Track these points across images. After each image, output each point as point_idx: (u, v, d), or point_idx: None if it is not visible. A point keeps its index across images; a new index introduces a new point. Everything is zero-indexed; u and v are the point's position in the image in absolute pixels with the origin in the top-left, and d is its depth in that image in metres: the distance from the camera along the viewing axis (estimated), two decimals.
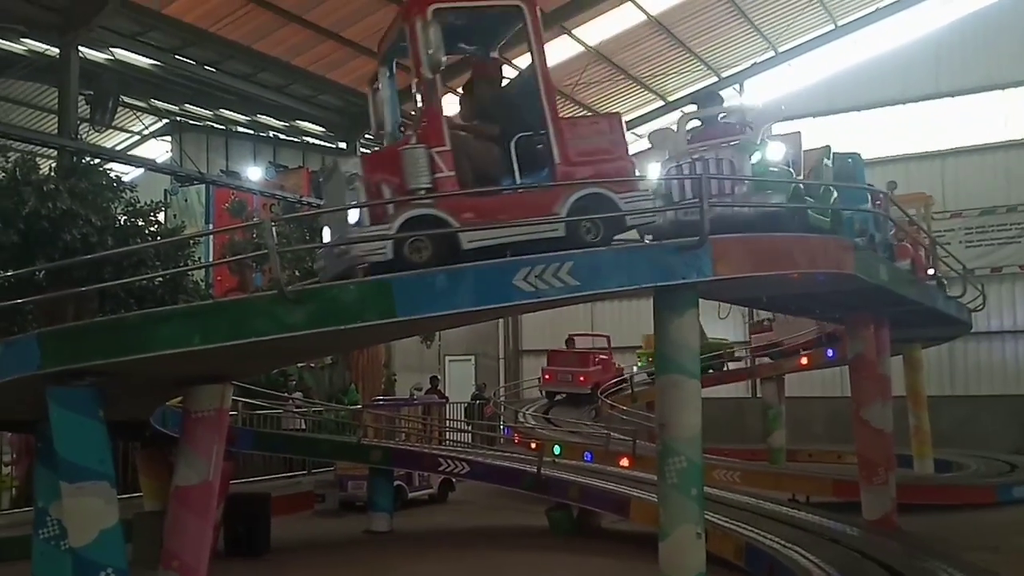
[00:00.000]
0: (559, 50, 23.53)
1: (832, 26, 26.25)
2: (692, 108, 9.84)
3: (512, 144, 6.97)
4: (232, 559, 11.69)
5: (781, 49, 26.76)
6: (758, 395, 23.79)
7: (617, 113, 8.22)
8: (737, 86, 27.65)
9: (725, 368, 22.36)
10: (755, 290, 10.53)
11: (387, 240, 6.41)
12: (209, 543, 7.66)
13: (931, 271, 13.99)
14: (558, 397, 21.52)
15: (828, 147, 10.23)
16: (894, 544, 10.03)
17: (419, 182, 6.59)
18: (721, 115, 9.50)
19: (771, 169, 8.44)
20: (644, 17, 23.28)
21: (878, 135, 24.51)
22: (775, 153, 8.57)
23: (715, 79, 27.38)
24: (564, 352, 22.36)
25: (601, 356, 22.11)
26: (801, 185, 8.84)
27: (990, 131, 24.27)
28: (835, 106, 25.46)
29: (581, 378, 20.93)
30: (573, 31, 22.80)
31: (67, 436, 6.62)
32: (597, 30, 23.22)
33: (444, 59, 6.66)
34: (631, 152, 7.52)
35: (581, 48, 23.67)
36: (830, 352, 18.97)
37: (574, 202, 6.78)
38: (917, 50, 25.21)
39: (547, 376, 21.88)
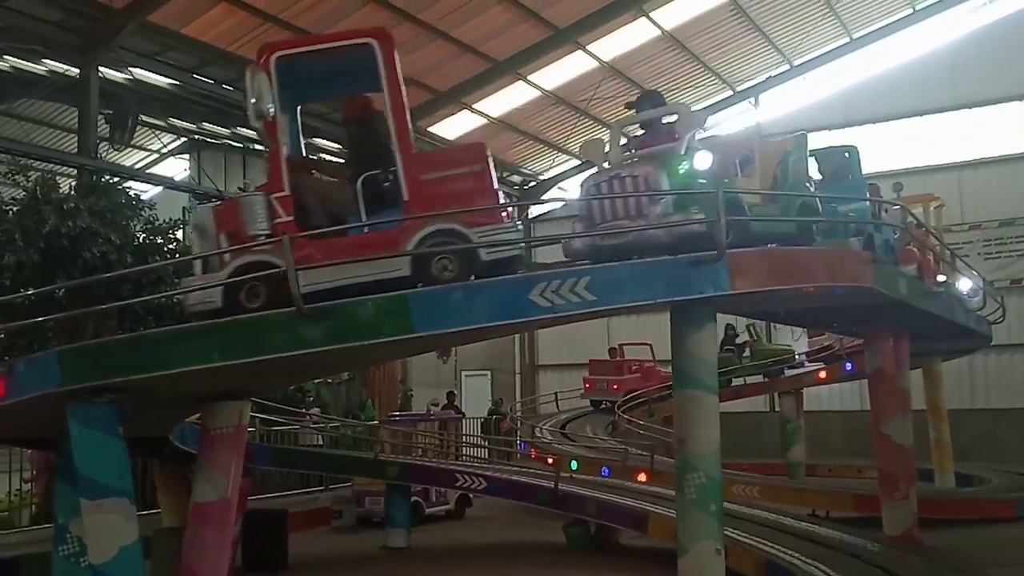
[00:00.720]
0: (573, 65, 23.63)
1: (847, 39, 26.22)
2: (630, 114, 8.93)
3: (359, 183, 6.98)
4: (250, 575, 11.69)
5: (796, 62, 26.74)
6: (776, 409, 23.64)
7: (479, 143, 7.55)
8: (752, 100, 27.64)
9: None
10: (773, 304, 10.47)
11: (219, 287, 6.59)
12: (227, 559, 7.69)
13: (941, 278, 13.31)
14: (603, 405, 21.53)
15: (801, 137, 9.34)
16: (916, 559, 9.93)
17: (257, 228, 6.72)
18: (665, 118, 8.55)
19: (699, 181, 7.55)
20: (658, 32, 23.33)
21: (896, 147, 24.41)
22: (702, 163, 7.68)
23: (730, 93, 27.39)
24: (602, 361, 22.44)
25: (642, 364, 21.99)
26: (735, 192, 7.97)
27: (1008, 142, 24.14)
28: (852, 118, 25.39)
29: (615, 386, 21.13)
30: (587, 46, 22.87)
31: (87, 453, 6.67)
32: (611, 45, 23.28)
33: (270, 108, 6.71)
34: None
35: (595, 63, 23.73)
36: (849, 366, 18.84)
37: (421, 240, 6.66)
38: (934, 61, 25.14)
39: (587, 385, 22.05)
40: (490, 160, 7.06)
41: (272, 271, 6.50)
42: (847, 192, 10.55)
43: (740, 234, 7.25)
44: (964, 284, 14.05)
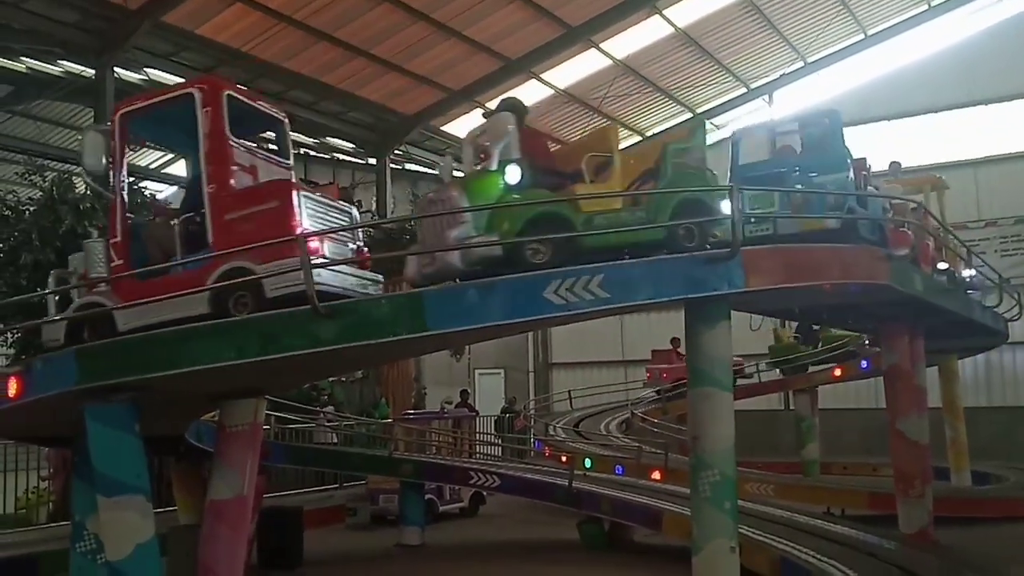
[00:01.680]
0: (586, 63, 23.59)
1: (862, 35, 26.09)
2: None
3: (177, 225, 7.34)
4: (266, 572, 11.75)
5: (810, 59, 26.62)
6: (791, 407, 23.56)
7: (283, 180, 7.48)
8: (766, 97, 27.55)
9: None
10: (787, 301, 10.44)
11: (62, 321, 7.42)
12: (243, 556, 7.73)
13: (943, 265, 12.30)
14: (667, 394, 21.66)
15: (695, 123, 9.12)
16: (932, 558, 9.88)
17: (97, 271, 7.36)
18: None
19: (513, 197, 7.06)
20: (672, 30, 23.28)
21: (911, 144, 24.27)
22: (512, 177, 7.15)
23: (744, 90, 27.30)
24: (660, 351, 22.47)
25: None
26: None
27: None
28: (867, 115, 25.22)
29: (664, 374, 21.36)
30: (601, 44, 22.83)
31: (104, 451, 6.73)
32: (625, 43, 23.24)
33: (102, 164, 7.34)
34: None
35: (608, 61, 23.70)
36: (864, 363, 18.75)
37: (218, 277, 6.78)
38: (949, 58, 24.99)
39: (648, 374, 22.22)
40: (295, 195, 6.98)
41: (102, 309, 7.09)
42: (826, 165, 9.44)
43: (563, 248, 6.82)
44: (966, 273, 13.34)
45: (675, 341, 21.21)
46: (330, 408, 18.69)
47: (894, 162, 13.23)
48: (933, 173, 13.94)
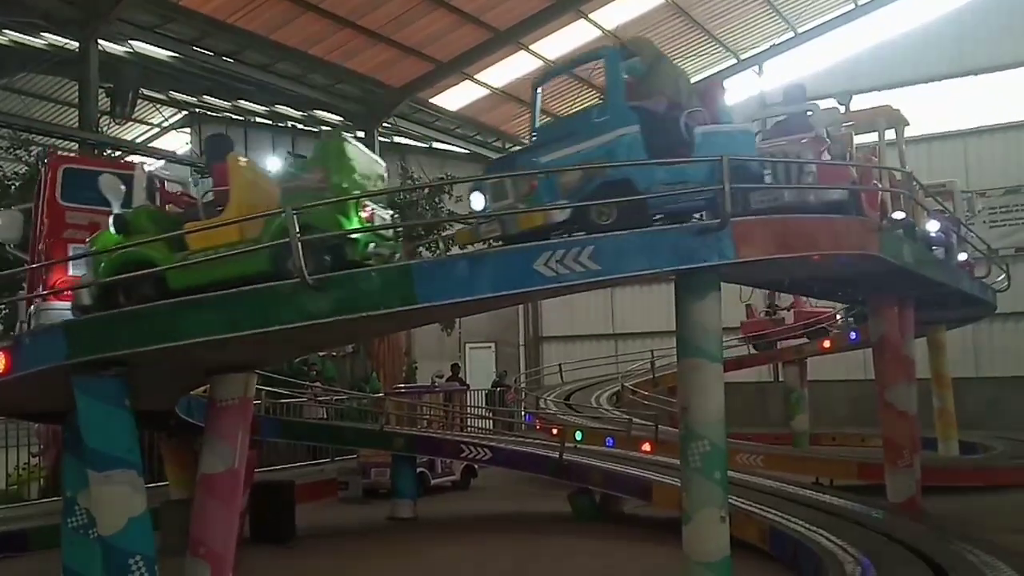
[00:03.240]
0: (576, 34, 23.42)
1: (852, 5, 25.98)
2: None
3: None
4: (258, 546, 11.79)
5: (801, 30, 26.50)
6: (780, 379, 23.69)
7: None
8: (756, 68, 27.43)
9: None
10: (777, 272, 10.45)
11: None
12: (235, 530, 7.75)
13: (898, 214, 10.26)
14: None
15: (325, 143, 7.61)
16: (919, 527, 9.98)
17: None
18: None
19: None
20: (662, 0, 23.11)
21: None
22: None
23: (734, 61, 27.17)
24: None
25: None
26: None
27: (1014, 109, 23.94)
28: (857, 86, 24.91)
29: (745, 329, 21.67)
30: (590, 15, 22.66)
31: (94, 425, 6.71)
32: (614, 13, 23.08)
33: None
34: None
35: (598, 32, 23.53)
36: (853, 335, 18.85)
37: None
38: (940, 28, 24.90)
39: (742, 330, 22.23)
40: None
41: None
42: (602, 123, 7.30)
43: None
44: (931, 225, 11.95)
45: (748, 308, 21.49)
46: (317, 384, 18.68)
47: (845, 93, 11.29)
48: (889, 105, 11.54)
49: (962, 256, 13.83)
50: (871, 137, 11.49)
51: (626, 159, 7.07)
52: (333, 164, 7.08)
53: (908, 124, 11.78)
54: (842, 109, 10.40)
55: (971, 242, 14.52)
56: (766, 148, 8.79)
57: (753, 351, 21.78)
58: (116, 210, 7.39)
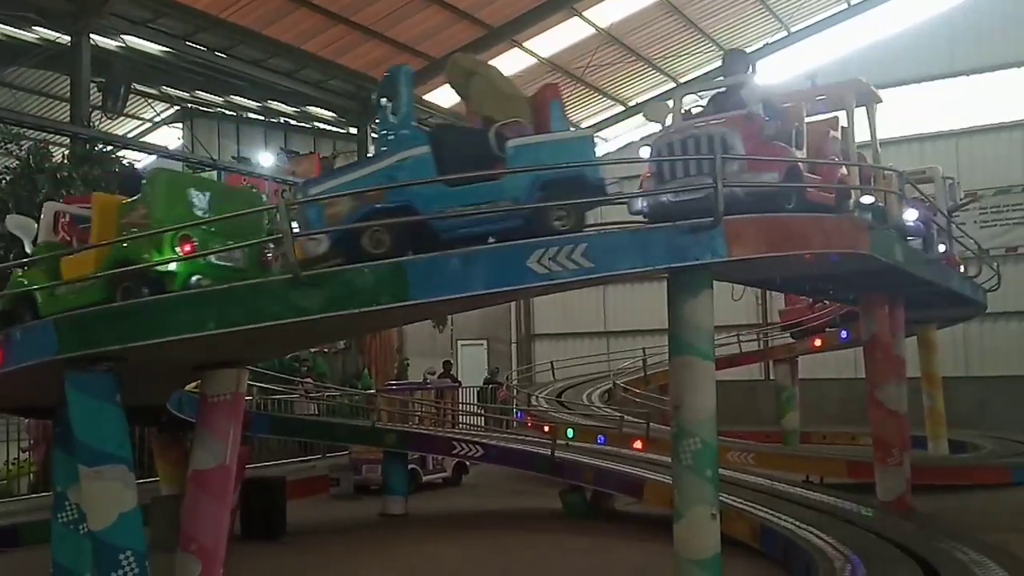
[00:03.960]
0: (569, 32, 23.42)
1: (846, 5, 26.02)
2: None
3: None
4: (249, 542, 11.77)
5: (794, 29, 26.52)
6: (771, 377, 23.75)
7: None
8: (750, 67, 27.41)
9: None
10: (770, 271, 10.46)
11: None
12: (226, 526, 7.73)
13: (867, 199, 9.11)
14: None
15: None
16: (909, 525, 10.03)
17: None
18: None
19: None
20: None
21: (892, 115, 24.25)
22: None
23: None
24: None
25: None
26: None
27: (1006, 109, 24.01)
28: None
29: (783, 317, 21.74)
30: (584, 12, 22.66)
31: (85, 420, 6.69)
32: (608, 11, 23.06)
33: None
34: None
35: (592, 30, 23.54)
36: (844, 333, 18.91)
37: None
38: (932, 28, 24.95)
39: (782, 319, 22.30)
40: None
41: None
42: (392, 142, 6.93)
43: None
44: (909, 214, 10.92)
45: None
46: (308, 380, 18.66)
47: (812, 73, 10.67)
48: (860, 78, 10.41)
49: (942, 248, 12.81)
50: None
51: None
52: (154, 200, 7.51)
53: (880, 101, 10.58)
54: (809, 84, 10.01)
55: (952, 233, 13.47)
56: (689, 128, 8.03)
57: (790, 340, 21.39)
58: (27, 247, 8.25)
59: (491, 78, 7.56)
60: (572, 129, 7.04)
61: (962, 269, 14.60)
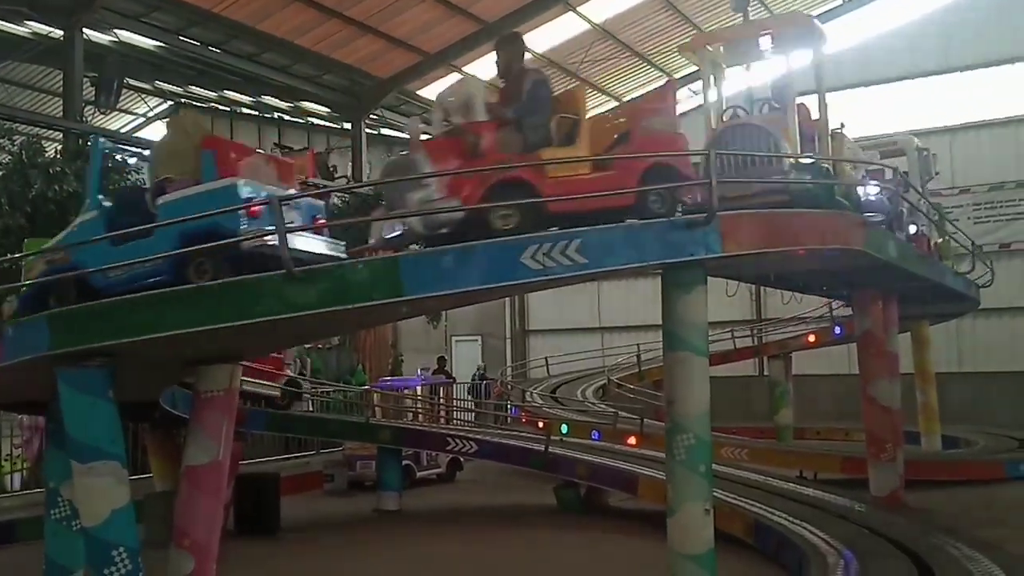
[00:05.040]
0: (564, 28, 23.40)
1: (839, 1, 26.01)
2: None
3: None
4: (242, 538, 11.77)
5: None
6: (765, 373, 23.79)
7: None
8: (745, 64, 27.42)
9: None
10: (764, 267, 10.47)
11: None
12: (220, 522, 7.71)
13: (807, 159, 8.23)
14: None
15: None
16: (902, 520, 10.05)
17: None
18: None
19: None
20: None
21: (886, 110, 24.32)
22: None
23: None
24: None
25: None
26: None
27: (1000, 106, 24.04)
28: (843, 81, 25.04)
29: None
30: (578, 8, 22.64)
31: (77, 416, 6.66)
32: (602, 7, 23.05)
33: None
34: None
35: (587, 25, 23.51)
36: (837, 329, 18.94)
37: None
38: (926, 24, 24.96)
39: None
40: None
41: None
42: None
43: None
44: (870, 188, 9.97)
45: None
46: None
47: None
48: (800, 11, 9.15)
49: (912, 229, 11.72)
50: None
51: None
52: None
53: (826, 40, 9.16)
54: (741, 16, 9.46)
55: (927, 213, 12.17)
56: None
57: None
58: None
59: (170, 139, 7.82)
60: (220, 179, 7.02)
61: (933, 251, 13.07)
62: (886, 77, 25.20)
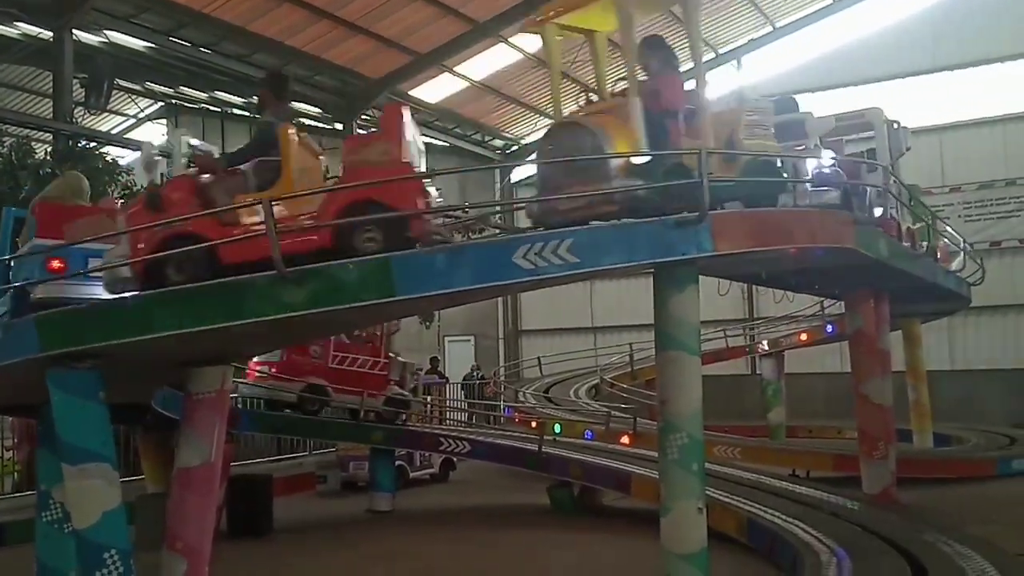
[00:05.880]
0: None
1: (830, 0, 26.09)
2: None
3: None
4: (235, 540, 11.73)
5: (779, 24, 26.60)
6: (757, 372, 23.84)
7: None
8: (735, 62, 27.51)
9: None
10: (755, 265, 10.48)
11: None
12: (212, 524, 7.70)
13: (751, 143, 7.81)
14: None
15: None
16: (894, 518, 10.07)
17: None
18: None
19: None
20: None
21: None
22: None
23: (712, 55, 27.20)
24: None
25: None
26: None
27: (989, 105, 24.15)
28: (833, 81, 25.25)
29: None
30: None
31: (68, 419, 6.63)
32: None
33: None
34: None
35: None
36: (829, 328, 18.98)
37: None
38: (915, 24, 25.06)
39: None
40: None
41: None
42: None
43: None
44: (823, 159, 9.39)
45: None
46: None
47: None
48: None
49: (878, 211, 10.40)
50: None
51: None
52: None
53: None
54: None
55: (895, 193, 10.83)
56: None
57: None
58: None
59: (48, 192, 8.66)
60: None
61: (905, 236, 11.56)
62: (875, 76, 25.27)
